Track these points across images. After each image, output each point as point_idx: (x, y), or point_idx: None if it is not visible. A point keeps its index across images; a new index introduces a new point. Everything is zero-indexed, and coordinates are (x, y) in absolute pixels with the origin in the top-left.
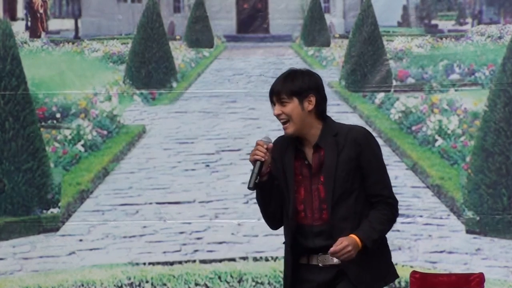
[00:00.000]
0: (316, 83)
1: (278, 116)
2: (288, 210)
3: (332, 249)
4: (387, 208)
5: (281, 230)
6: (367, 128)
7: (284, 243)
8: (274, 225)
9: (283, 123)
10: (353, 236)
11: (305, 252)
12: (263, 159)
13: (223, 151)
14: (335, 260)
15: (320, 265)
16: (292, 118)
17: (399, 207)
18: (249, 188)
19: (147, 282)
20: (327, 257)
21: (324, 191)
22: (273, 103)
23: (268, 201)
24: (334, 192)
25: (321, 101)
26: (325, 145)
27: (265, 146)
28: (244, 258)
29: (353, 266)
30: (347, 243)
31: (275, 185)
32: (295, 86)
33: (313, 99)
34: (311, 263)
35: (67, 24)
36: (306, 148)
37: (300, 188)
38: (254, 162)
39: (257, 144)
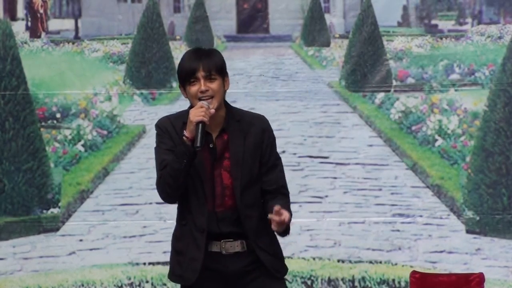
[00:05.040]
0: None
1: (204, 92)
2: (198, 193)
3: (283, 213)
4: (284, 197)
5: None
6: (367, 128)
7: (183, 224)
8: (176, 198)
9: (206, 100)
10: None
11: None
12: (206, 121)
13: None
14: (240, 248)
15: (223, 252)
16: (216, 95)
17: (399, 207)
18: (197, 147)
19: (147, 282)
20: (232, 244)
21: (228, 177)
22: (191, 80)
23: (188, 169)
24: (242, 179)
25: None
26: (230, 130)
27: (205, 107)
28: None
29: (265, 254)
30: (286, 211)
31: None
32: (221, 63)
33: (227, 79)
34: (210, 249)
35: (67, 24)
36: (210, 130)
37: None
38: (197, 123)
39: (201, 105)
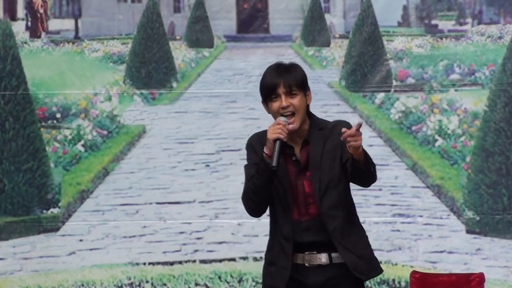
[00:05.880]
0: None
1: (285, 108)
2: (284, 204)
3: (348, 131)
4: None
5: None
6: (367, 128)
7: (273, 236)
8: (260, 212)
9: (287, 116)
10: None
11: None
12: (283, 137)
13: (223, 151)
14: (323, 260)
15: (306, 265)
16: (299, 111)
17: (399, 207)
18: (273, 167)
19: (147, 282)
20: (314, 257)
21: (309, 185)
22: (273, 96)
23: (269, 185)
24: (321, 182)
25: None
26: (312, 139)
27: (283, 124)
28: (244, 258)
29: (349, 254)
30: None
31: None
32: (302, 78)
33: (309, 93)
34: (295, 261)
35: (67, 24)
36: (293, 142)
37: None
38: (274, 140)
39: (278, 123)
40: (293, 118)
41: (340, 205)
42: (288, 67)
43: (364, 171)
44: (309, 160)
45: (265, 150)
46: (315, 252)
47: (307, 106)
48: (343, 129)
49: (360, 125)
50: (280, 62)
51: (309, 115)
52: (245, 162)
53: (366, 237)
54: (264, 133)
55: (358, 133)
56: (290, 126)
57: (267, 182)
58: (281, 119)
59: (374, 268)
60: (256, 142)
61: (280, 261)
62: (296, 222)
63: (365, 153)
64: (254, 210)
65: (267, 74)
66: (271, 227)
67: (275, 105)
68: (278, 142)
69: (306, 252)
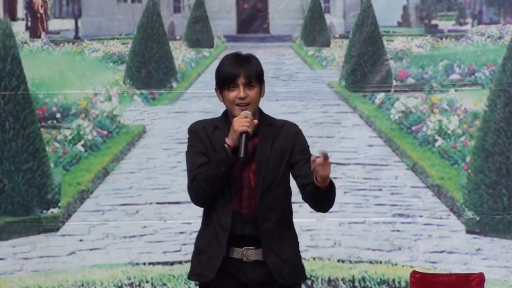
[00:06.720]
0: None
1: (242, 98)
2: (225, 193)
3: (317, 160)
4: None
5: None
6: (367, 128)
7: (208, 224)
8: (208, 203)
9: (242, 106)
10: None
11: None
12: (250, 131)
13: None
14: (261, 257)
15: (244, 259)
16: (253, 103)
17: (399, 207)
18: (240, 158)
19: (147, 282)
20: (253, 252)
21: (254, 179)
22: (231, 86)
23: (223, 178)
24: (264, 180)
25: None
26: (260, 133)
27: (250, 118)
28: None
29: (273, 256)
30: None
31: None
32: (260, 70)
33: (264, 86)
34: (232, 256)
35: (67, 24)
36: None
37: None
38: (241, 133)
39: (246, 116)
40: (247, 108)
41: (276, 208)
42: (248, 58)
43: (324, 197)
44: (256, 154)
45: (228, 141)
46: (253, 248)
47: (259, 100)
48: (312, 157)
49: (325, 155)
50: (239, 52)
51: (258, 109)
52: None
53: (297, 243)
54: (207, 121)
55: (326, 163)
56: (255, 121)
57: (225, 172)
58: (248, 113)
59: (298, 274)
60: (201, 130)
61: (211, 250)
62: (236, 213)
63: (329, 180)
64: (204, 200)
65: (226, 62)
66: (206, 215)
67: (232, 94)
68: (244, 135)
69: (244, 248)
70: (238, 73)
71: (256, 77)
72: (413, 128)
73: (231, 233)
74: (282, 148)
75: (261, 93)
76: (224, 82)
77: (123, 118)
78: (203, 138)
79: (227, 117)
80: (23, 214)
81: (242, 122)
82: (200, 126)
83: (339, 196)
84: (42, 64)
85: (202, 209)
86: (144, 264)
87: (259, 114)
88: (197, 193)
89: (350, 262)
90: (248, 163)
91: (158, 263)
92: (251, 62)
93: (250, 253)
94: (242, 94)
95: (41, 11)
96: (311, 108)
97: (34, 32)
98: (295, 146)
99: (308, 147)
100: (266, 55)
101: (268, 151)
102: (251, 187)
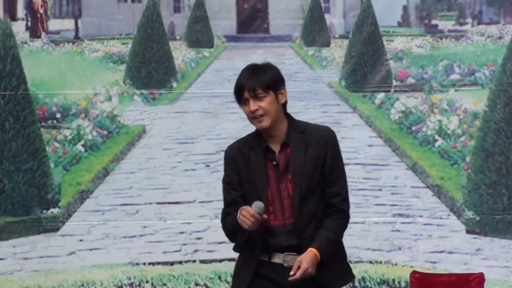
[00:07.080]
0: (282, 75)
1: (254, 112)
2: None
3: (292, 274)
4: (342, 216)
5: None
6: (367, 128)
7: (241, 240)
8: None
9: (257, 118)
10: (312, 250)
11: (266, 250)
12: (252, 229)
13: (223, 151)
14: None
15: (285, 265)
16: (269, 112)
17: (399, 207)
18: (235, 251)
19: (147, 282)
20: (295, 258)
21: (292, 188)
22: (243, 100)
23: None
24: (301, 189)
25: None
26: (292, 142)
27: (256, 217)
28: None
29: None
30: (305, 265)
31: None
32: (269, 79)
33: (284, 91)
34: (272, 260)
35: (67, 24)
36: (272, 145)
37: (268, 190)
38: (244, 228)
39: (251, 215)
40: (262, 118)
41: (314, 216)
42: (254, 70)
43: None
44: (291, 164)
45: (239, 219)
46: (295, 254)
47: (283, 105)
48: (290, 278)
49: (294, 274)
50: (252, 64)
51: (287, 116)
52: None
53: (343, 247)
54: (243, 140)
55: (302, 271)
56: (265, 217)
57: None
58: (257, 209)
59: (344, 275)
60: (238, 155)
61: (245, 268)
62: (279, 227)
63: (328, 244)
64: (231, 240)
65: (238, 77)
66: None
67: (246, 109)
68: (246, 232)
69: (285, 253)
70: (243, 88)
71: (263, 87)
72: (413, 128)
73: (275, 245)
74: (316, 155)
75: (279, 99)
76: (236, 98)
77: (123, 118)
78: (240, 164)
79: (259, 132)
80: (23, 214)
81: (246, 220)
82: (236, 151)
83: None
84: (42, 64)
85: (202, 208)
86: (144, 264)
87: (288, 121)
88: (224, 232)
89: (350, 262)
90: (284, 175)
91: (158, 263)
92: (257, 73)
93: (291, 259)
94: (252, 108)
95: (41, 11)
96: (311, 108)
97: (34, 32)
98: (327, 154)
99: (339, 156)
100: (266, 55)
101: (302, 159)
102: (290, 196)
